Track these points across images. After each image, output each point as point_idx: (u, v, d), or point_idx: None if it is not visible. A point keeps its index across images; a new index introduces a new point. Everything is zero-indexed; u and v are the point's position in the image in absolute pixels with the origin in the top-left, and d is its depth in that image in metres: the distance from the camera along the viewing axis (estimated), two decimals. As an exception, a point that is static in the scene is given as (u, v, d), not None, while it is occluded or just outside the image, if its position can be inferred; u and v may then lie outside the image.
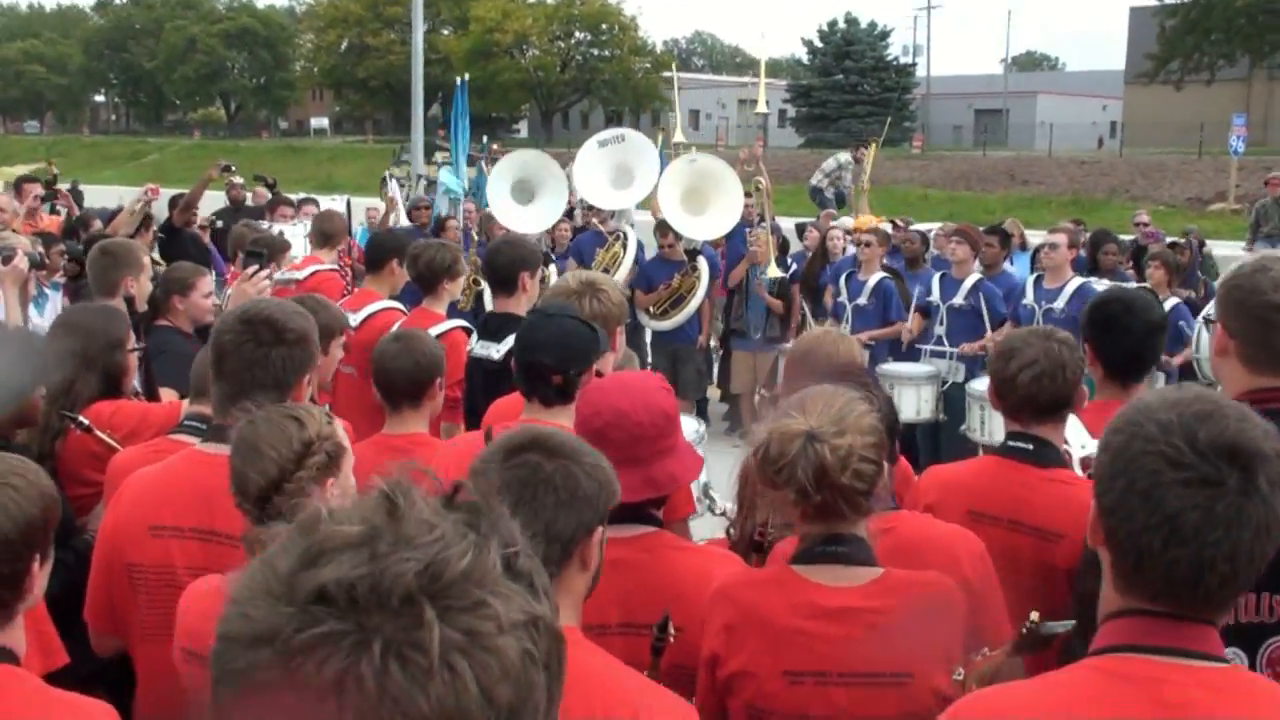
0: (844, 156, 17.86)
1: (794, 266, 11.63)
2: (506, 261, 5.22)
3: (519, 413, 3.67)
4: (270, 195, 13.26)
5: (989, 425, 8.16)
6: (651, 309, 10.72)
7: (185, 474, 3.01)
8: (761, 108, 11.26)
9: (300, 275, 6.68)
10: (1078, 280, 8.43)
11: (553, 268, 10.84)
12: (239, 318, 3.05)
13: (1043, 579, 3.20)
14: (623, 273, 10.66)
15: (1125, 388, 3.70)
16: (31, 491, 2.14)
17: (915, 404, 8.55)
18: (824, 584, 2.49)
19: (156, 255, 8.88)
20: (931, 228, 12.86)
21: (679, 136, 12.20)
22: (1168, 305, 8.96)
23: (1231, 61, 51.71)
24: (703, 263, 10.85)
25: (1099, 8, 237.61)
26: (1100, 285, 8.71)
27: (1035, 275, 8.72)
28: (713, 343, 11.73)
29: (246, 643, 0.93)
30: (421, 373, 3.91)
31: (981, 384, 8.13)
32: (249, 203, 14.01)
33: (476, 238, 11.64)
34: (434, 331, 5.72)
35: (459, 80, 14.22)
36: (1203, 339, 8.50)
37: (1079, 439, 3.61)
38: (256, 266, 4.58)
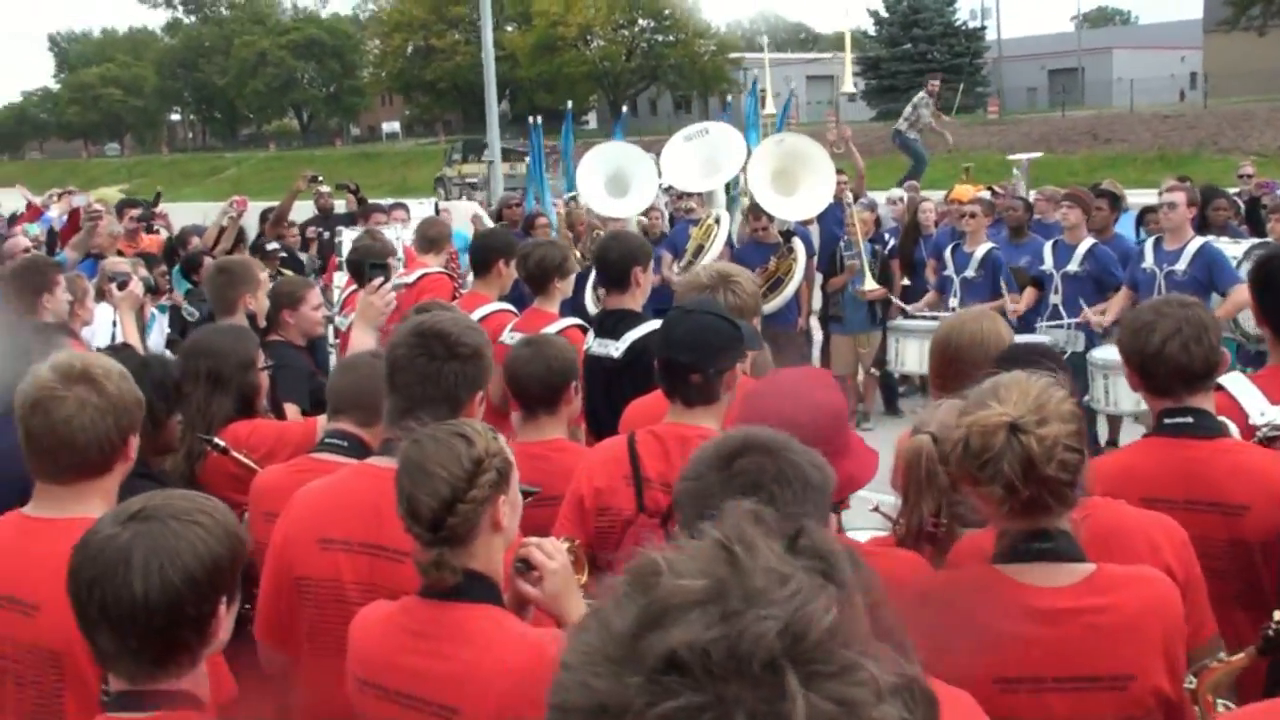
0: (918, 95, 18.08)
1: (891, 242, 11.41)
2: (618, 257, 5.11)
3: (659, 414, 3.55)
4: (357, 202, 13.25)
5: (1114, 394, 7.95)
6: (751, 294, 10.54)
7: (354, 488, 2.96)
8: (848, 86, 11.05)
9: (410, 279, 6.62)
10: (1199, 240, 8.10)
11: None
12: (413, 331, 3.00)
13: (1237, 560, 3.02)
14: (714, 253, 10.52)
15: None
16: (219, 530, 2.06)
17: (919, 357, 8.45)
18: (1034, 584, 2.34)
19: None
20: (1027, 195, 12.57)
21: (770, 108, 12.02)
22: (1293, 259, 8.63)
23: (1314, 3, 50.29)
24: (798, 244, 10.64)
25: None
26: (1224, 244, 8.41)
27: (1154, 237, 8.39)
28: (813, 322, 11.56)
29: (587, 715, 0.81)
30: (555, 377, 3.79)
31: (1104, 353, 7.90)
32: (338, 210, 14.01)
33: (569, 234, 11.58)
34: (549, 330, 5.65)
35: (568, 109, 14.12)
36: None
37: (1256, 405, 3.41)
38: (381, 279, 4.50)
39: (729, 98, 35.45)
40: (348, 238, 10.30)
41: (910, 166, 17.30)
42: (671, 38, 70.57)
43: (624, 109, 28.44)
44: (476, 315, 5.95)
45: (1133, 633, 2.29)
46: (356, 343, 4.25)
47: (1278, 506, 2.93)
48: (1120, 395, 7.83)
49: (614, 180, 11.03)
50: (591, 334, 5.17)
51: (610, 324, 5.09)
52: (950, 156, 23.54)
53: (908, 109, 18.00)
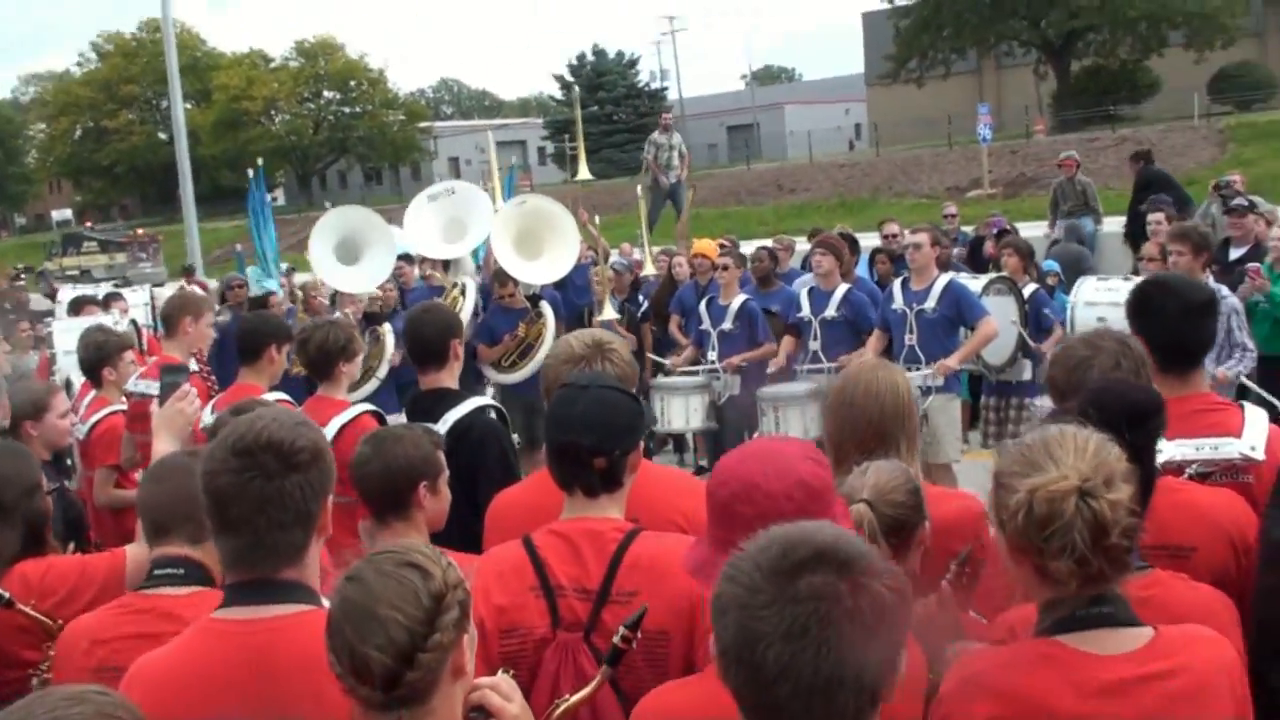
0: (655, 135, 18.95)
1: (644, 304, 11.40)
2: (434, 332, 4.75)
3: (535, 505, 3.19)
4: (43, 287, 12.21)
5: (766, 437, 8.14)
6: (502, 361, 10.22)
7: (217, 656, 2.39)
8: (583, 174, 10.97)
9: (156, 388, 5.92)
10: (945, 277, 8.38)
11: (387, 326, 10.42)
12: (232, 450, 2.41)
13: None
14: (546, 347, 10.19)
15: (1182, 378, 3.45)
16: None
17: (802, 424, 8.38)
18: (1098, 653, 2.14)
19: None
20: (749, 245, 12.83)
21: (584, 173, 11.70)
22: (1026, 292, 9.07)
23: (963, 55, 54.41)
24: (546, 307, 10.45)
25: (829, 16, 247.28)
26: (969, 281, 8.72)
27: (901, 278, 8.62)
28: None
29: None
30: (398, 477, 3.37)
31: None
32: (32, 306, 12.85)
33: (302, 310, 10.99)
34: (339, 421, 5.18)
35: (252, 171, 13.32)
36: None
37: (1251, 439, 3.34)
38: (182, 385, 3.90)
39: (421, 167, 35.15)
40: (59, 331, 9.39)
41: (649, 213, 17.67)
42: (359, 109, 69.57)
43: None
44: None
45: (1206, 694, 2.14)
46: (158, 455, 3.69)
47: (1225, 545, 2.86)
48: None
49: (344, 248, 10.52)
50: (404, 420, 4.75)
51: (427, 405, 4.69)
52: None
53: (648, 150, 18.47)
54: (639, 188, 13.56)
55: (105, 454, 5.99)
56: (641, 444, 2.95)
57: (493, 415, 4.90)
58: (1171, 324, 3.42)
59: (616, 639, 2.44)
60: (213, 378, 6.35)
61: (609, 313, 10.15)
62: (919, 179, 40.45)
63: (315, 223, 10.62)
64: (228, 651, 2.36)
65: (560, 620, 2.75)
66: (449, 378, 4.78)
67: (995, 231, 11.89)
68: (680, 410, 8.92)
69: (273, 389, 5.72)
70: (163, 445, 3.71)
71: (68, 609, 3.18)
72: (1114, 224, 15.85)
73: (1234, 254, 8.88)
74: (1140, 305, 3.56)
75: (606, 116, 63.20)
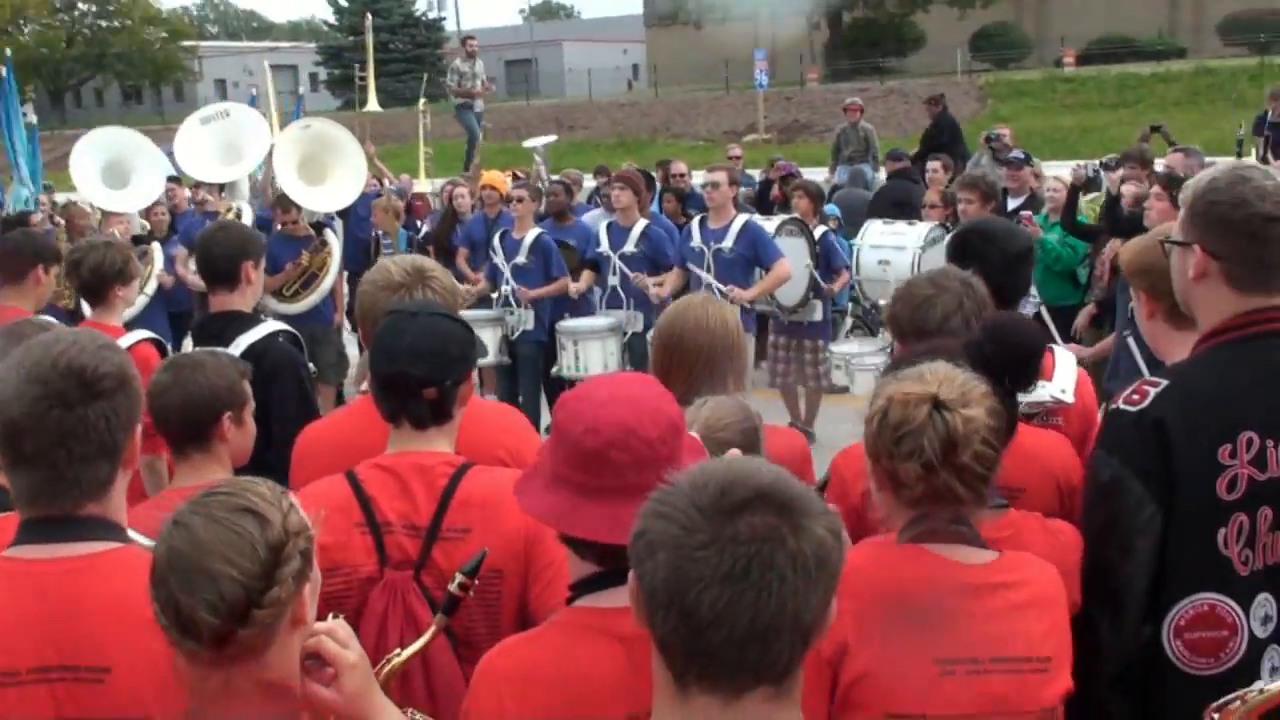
0: (457, 63, 19.11)
1: (425, 229, 11.09)
2: (225, 252, 4.44)
3: (346, 442, 3.00)
4: None
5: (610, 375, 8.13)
6: (284, 291, 9.78)
7: (9, 599, 2.12)
8: (372, 105, 10.62)
9: None
10: (743, 217, 8.43)
11: (156, 245, 9.96)
12: (28, 376, 2.13)
13: None
14: (331, 278, 9.74)
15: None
16: None
17: (602, 359, 8.32)
18: (961, 561, 2.22)
19: None
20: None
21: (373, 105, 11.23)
22: (817, 234, 9.21)
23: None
24: (331, 236, 10.04)
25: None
26: (765, 222, 8.79)
27: (700, 216, 8.62)
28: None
29: None
30: (200, 409, 3.11)
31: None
32: None
33: (63, 233, 10.27)
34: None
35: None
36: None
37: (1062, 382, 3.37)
38: None
39: (185, 88, 33.44)
40: None
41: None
42: (117, 23, 65.51)
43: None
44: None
45: (1049, 605, 2.24)
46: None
47: (1052, 487, 2.91)
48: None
49: (111, 170, 9.89)
50: (190, 343, 4.45)
51: (217, 329, 4.40)
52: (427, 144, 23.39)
53: (451, 77, 18.58)
54: (422, 115, 13.21)
55: None
56: (473, 375, 2.80)
57: (288, 342, 4.63)
58: (993, 270, 3.44)
59: (453, 586, 2.29)
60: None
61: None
62: (696, 121, 40.91)
63: (71, 141, 9.98)
64: (21, 593, 2.11)
65: (388, 559, 2.59)
66: (240, 300, 4.48)
67: (783, 175, 12.04)
68: (598, 355, 8.57)
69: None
70: None
71: None
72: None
73: (1011, 204, 9.20)
74: (962, 250, 3.60)
75: (382, 45, 61.38)
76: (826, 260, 9.28)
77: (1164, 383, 2.47)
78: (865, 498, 2.54)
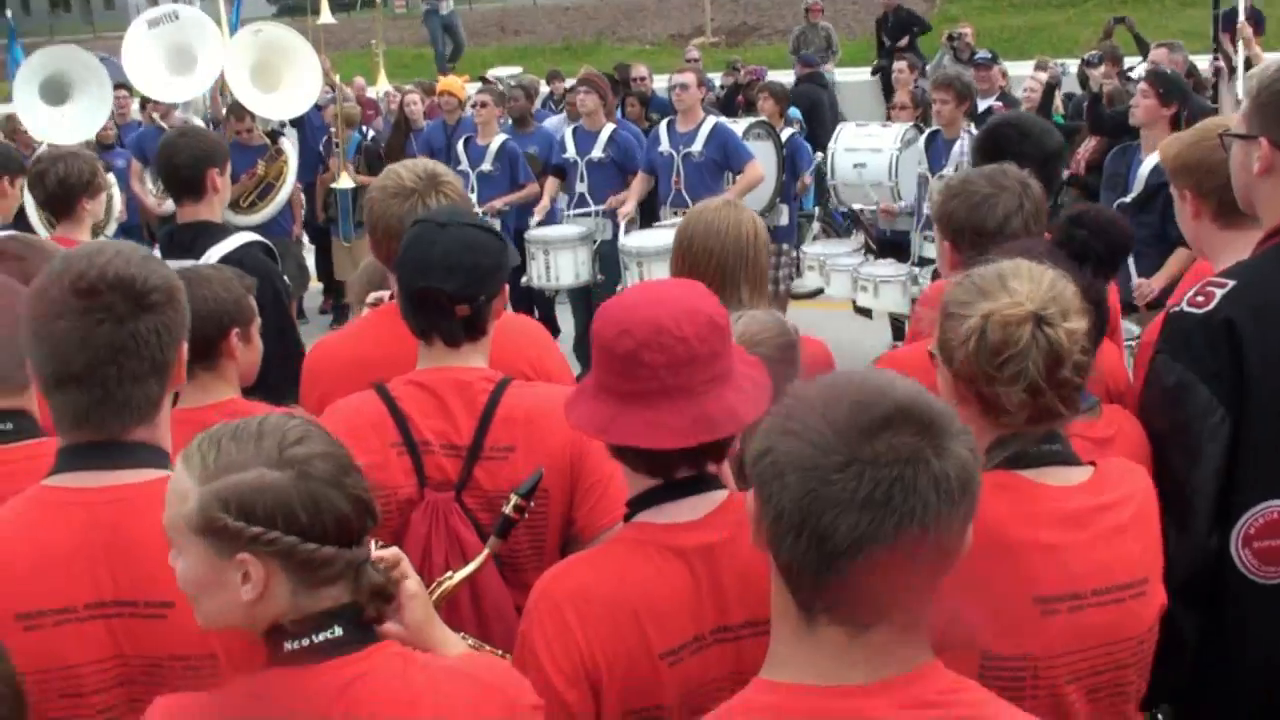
0: None
1: (371, 134, 10.83)
2: (189, 159, 4.24)
3: (363, 358, 2.88)
4: None
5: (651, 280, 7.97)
6: (240, 203, 9.50)
7: (58, 530, 1.97)
8: (326, 18, 10.21)
9: None
10: (712, 120, 8.24)
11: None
12: (73, 289, 1.96)
13: None
14: (288, 188, 9.46)
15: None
16: None
17: (573, 268, 8.18)
18: (1054, 485, 2.06)
19: None
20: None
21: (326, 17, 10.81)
22: (784, 136, 9.06)
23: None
24: (287, 145, 9.77)
25: None
26: (732, 124, 8.61)
27: (667, 119, 8.43)
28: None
29: None
30: (206, 325, 2.94)
31: (636, 239, 7.82)
32: None
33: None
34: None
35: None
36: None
37: None
38: None
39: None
40: None
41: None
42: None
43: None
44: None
45: (1147, 519, 2.11)
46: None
47: (1100, 391, 2.81)
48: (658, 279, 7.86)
49: (50, 87, 9.47)
50: (158, 253, 4.25)
51: (186, 240, 4.22)
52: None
53: None
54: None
55: None
56: (506, 288, 2.66)
57: (262, 253, 4.45)
58: (1032, 166, 3.26)
59: (508, 508, 2.20)
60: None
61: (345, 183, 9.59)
62: (643, 24, 40.20)
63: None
64: (72, 525, 1.97)
65: (427, 479, 2.47)
66: (207, 210, 4.29)
67: (751, 79, 11.83)
68: (569, 264, 8.36)
69: None
70: None
71: None
72: (853, 74, 16.19)
73: (983, 105, 9.08)
74: (996, 146, 3.48)
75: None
76: (793, 163, 9.14)
77: (1231, 283, 2.38)
78: None
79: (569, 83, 13.21)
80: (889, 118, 9.39)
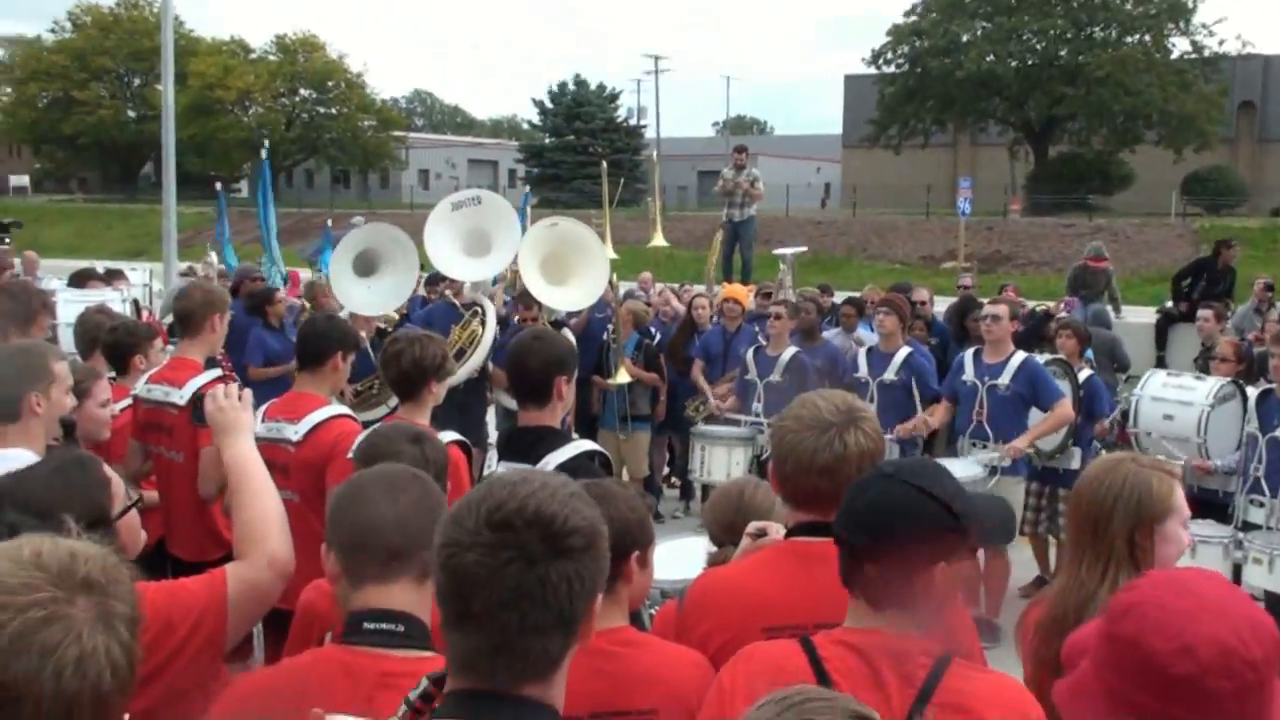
0: (725, 170, 17.40)
1: (657, 336, 10.84)
2: (540, 364, 4.10)
3: (752, 590, 2.63)
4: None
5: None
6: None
7: None
8: (658, 241, 10.71)
9: (181, 396, 5.22)
10: (1021, 355, 7.91)
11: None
12: (488, 520, 1.78)
13: None
14: (481, 353, 9.49)
15: None
16: None
17: (726, 465, 8.12)
18: None
19: None
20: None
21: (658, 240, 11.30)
22: (1081, 377, 8.63)
23: (943, 128, 54.86)
24: (486, 303, 9.81)
25: (808, 77, 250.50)
26: (1044, 359, 8.26)
27: (973, 349, 8.13)
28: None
29: None
30: (613, 547, 2.74)
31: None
32: (18, 272, 12.00)
33: (307, 306, 10.36)
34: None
35: (263, 154, 12.64)
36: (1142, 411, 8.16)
37: None
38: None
39: (391, 175, 34.51)
40: (63, 304, 8.72)
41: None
42: (334, 110, 68.49)
43: (261, 169, 26.29)
44: (308, 422, 4.82)
45: None
46: (239, 461, 3.03)
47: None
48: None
49: (362, 260, 9.85)
50: (495, 457, 4.14)
51: (525, 445, 4.08)
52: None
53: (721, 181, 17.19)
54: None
55: (123, 449, 5.35)
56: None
57: (598, 464, 4.28)
58: None
59: None
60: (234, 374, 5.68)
61: (622, 378, 9.64)
62: (894, 244, 40.41)
63: (284, 219, 10.00)
64: None
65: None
66: (550, 416, 4.15)
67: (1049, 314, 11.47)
68: (722, 461, 8.40)
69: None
70: (243, 447, 3.10)
71: (159, 649, 2.49)
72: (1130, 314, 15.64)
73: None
74: None
75: (583, 147, 62.77)
76: (1089, 405, 8.68)
77: None
78: None
79: (838, 297, 13.16)
80: (1205, 369, 8.85)
